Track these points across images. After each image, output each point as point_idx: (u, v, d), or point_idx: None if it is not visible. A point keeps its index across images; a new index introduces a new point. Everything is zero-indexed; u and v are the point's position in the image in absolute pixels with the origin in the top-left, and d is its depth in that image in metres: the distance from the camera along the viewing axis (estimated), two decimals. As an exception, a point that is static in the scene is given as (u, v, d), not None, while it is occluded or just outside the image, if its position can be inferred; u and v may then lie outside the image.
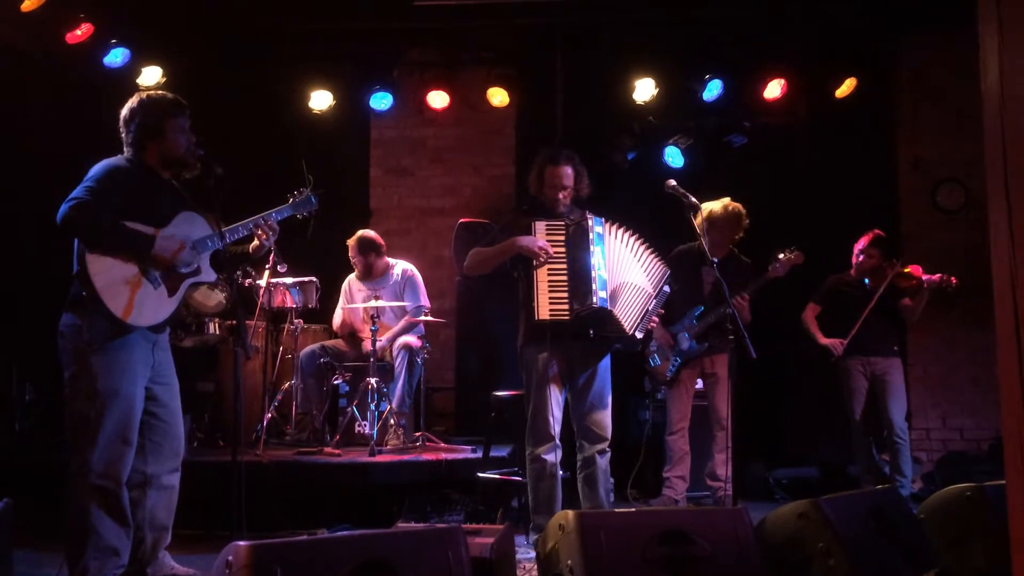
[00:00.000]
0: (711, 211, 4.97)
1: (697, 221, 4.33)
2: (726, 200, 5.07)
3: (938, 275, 5.39)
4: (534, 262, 4.02)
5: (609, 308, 3.95)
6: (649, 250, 4.17)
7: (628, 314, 4.02)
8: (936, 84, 6.71)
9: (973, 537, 3.27)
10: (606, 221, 4.10)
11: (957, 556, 3.31)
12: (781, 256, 4.98)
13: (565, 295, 3.97)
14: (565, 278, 4.00)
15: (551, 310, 3.96)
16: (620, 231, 4.13)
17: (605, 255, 4.03)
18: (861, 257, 5.61)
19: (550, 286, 3.99)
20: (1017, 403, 1.50)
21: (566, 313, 3.96)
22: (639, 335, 4.11)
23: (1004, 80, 1.54)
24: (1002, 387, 1.54)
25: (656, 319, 4.32)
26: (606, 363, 4.19)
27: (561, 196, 4.16)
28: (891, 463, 5.54)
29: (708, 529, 2.78)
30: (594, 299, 3.92)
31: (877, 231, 5.63)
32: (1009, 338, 1.52)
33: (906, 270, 5.49)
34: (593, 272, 3.95)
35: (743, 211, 5.10)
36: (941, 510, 3.46)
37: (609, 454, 4.15)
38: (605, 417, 4.13)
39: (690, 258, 5.12)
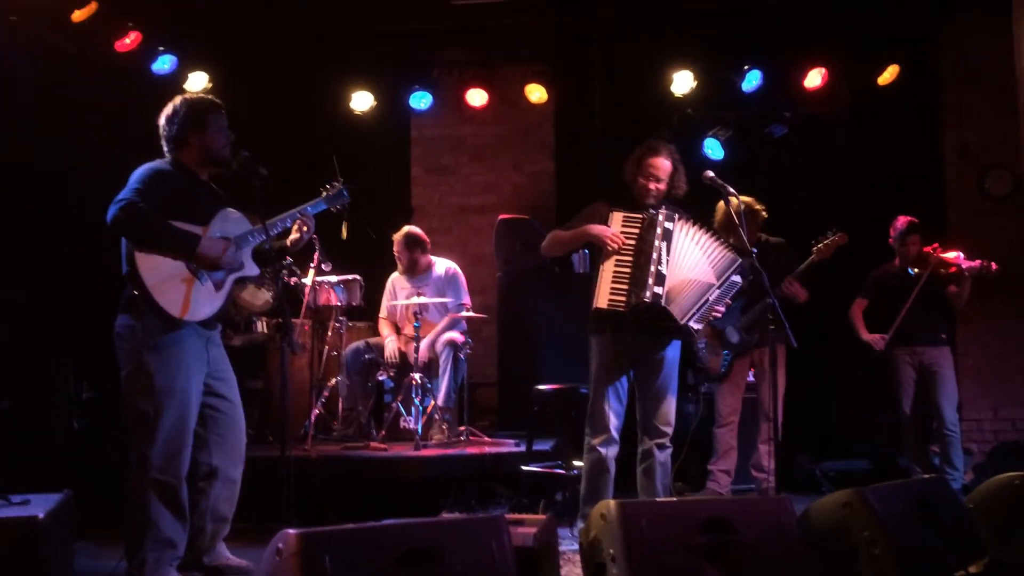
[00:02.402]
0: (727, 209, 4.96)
1: (730, 210, 4.30)
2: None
3: (978, 261, 5.29)
4: (605, 250, 4.03)
5: (664, 305, 3.93)
6: (719, 242, 4.08)
7: (682, 306, 3.97)
8: (981, 69, 6.57)
9: (1023, 526, 3.23)
10: (679, 218, 4.05)
11: (1006, 545, 3.27)
12: (826, 239, 4.95)
13: (626, 286, 3.98)
14: (628, 269, 4.00)
15: (610, 300, 3.97)
16: (692, 228, 4.05)
17: (670, 251, 3.98)
18: (902, 246, 5.55)
19: (614, 276, 3.99)
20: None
21: (623, 305, 3.96)
22: (695, 326, 4.02)
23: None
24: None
25: (721, 310, 4.15)
26: (673, 355, 4.16)
27: (653, 187, 4.11)
28: (941, 455, 5.46)
29: (750, 517, 2.78)
30: (647, 294, 3.91)
31: (911, 217, 5.56)
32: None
33: (947, 256, 5.41)
34: (652, 267, 3.93)
35: (755, 204, 5.09)
36: (989, 499, 3.42)
37: (670, 449, 4.15)
38: (667, 410, 4.11)
39: None
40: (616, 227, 4.05)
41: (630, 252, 4.01)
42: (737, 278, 4.05)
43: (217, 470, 3.51)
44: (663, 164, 4.12)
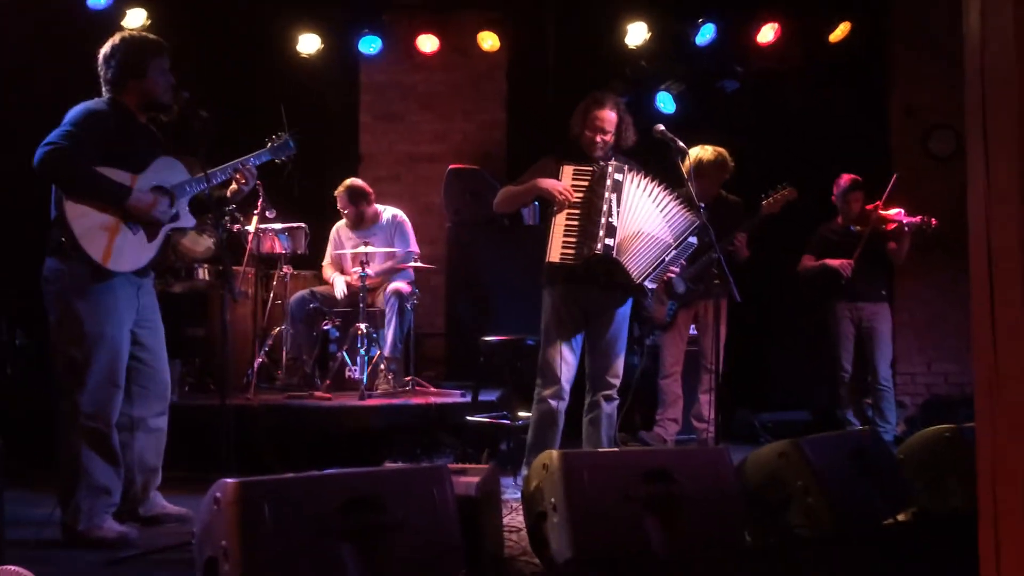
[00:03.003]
0: (699, 157, 4.95)
1: (685, 167, 4.31)
2: (710, 147, 5.05)
3: (919, 216, 5.41)
4: (554, 206, 4.00)
5: (615, 257, 3.92)
6: (675, 200, 4.07)
7: (637, 264, 3.98)
8: (930, 29, 6.63)
9: (950, 477, 3.35)
10: (629, 169, 4.02)
11: (934, 495, 3.39)
12: (775, 193, 4.98)
13: (576, 239, 3.96)
14: (580, 223, 3.98)
15: (562, 253, 3.95)
16: (644, 180, 4.03)
17: (620, 202, 3.96)
18: (845, 204, 5.63)
19: (566, 230, 3.97)
20: (988, 343, 1.52)
21: (573, 258, 3.95)
22: (650, 285, 4.04)
23: (985, 19, 1.53)
24: (974, 326, 1.56)
25: (676, 270, 4.23)
26: (624, 311, 4.18)
27: (599, 140, 4.08)
28: (874, 409, 5.63)
29: (690, 468, 2.84)
30: (598, 246, 3.89)
31: (853, 176, 5.64)
32: (982, 278, 1.53)
33: (888, 213, 5.50)
34: (603, 219, 3.91)
35: (728, 156, 5.08)
36: (920, 451, 3.54)
37: (617, 401, 4.18)
38: (616, 364, 4.14)
39: None
40: (567, 181, 4.02)
41: (581, 205, 4.00)
42: (694, 239, 4.09)
43: (139, 421, 3.45)
44: (609, 116, 4.10)
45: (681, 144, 4.17)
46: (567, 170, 4.05)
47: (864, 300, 5.64)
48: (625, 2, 6.46)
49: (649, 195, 4.04)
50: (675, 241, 4.03)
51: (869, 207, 5.58)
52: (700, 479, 2.82)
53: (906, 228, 5.42)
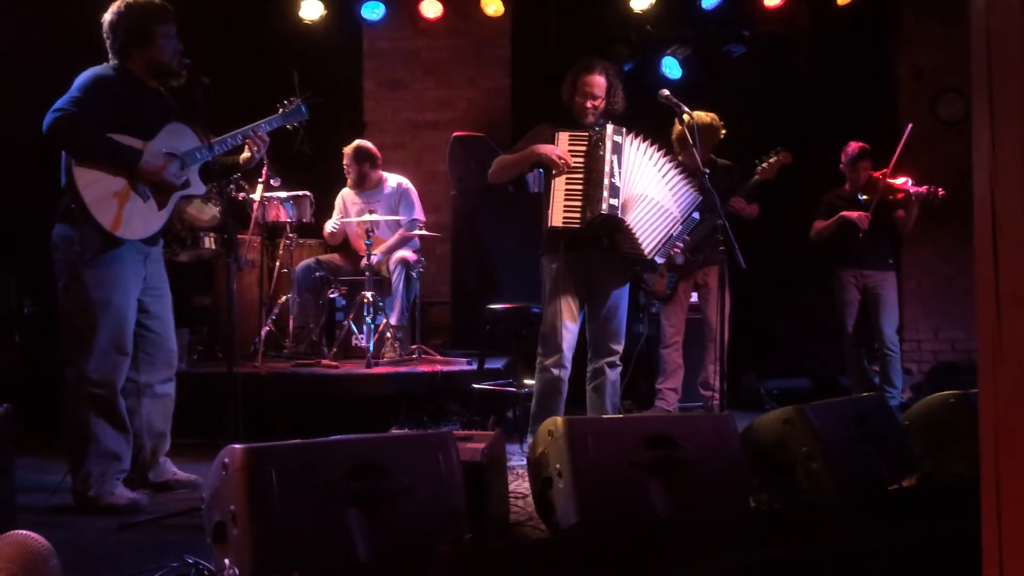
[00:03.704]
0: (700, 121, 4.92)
1: (686, 132, 4.28)
2: (701, 111, 5.00)
3: (924, 187, 5.38)
4: (553, 171, 3.99)
5: (620, 216, 3.92)
6: (681, 174, 4.08)
7: (646, 232, 3.97)
8: (939, -8, 6.56)
9: (955, 443, 3.35)
10: (627, 132, 4.02)
11: (939, 461, 3.40)
12: (768, 159, 4.94)
13: (579, 203, 3.95)
14: (581, 187, 3.97)
15: (564, 218, 3.94)
16: (643, 143, 4.04)
17: (621, 164, 3.95)
18: (853, 172, 5.60)
19: (566, 195, 3.96)
20: (991, 308, 1.52)
21: (577, 221, 3.94)
22: (659, 259, 4.07)
23: (993, -21, 1.51)
24: (979, 291, 1.56)
25: (681, 246, 4.25)
26: (625, 277, 4.18)
27: (590, 106, 4.08)
28: (881, 374, 5.63)
29: (694, 434, 2.85)
30: (603, 206, 3.88)
31: (862, 144, 5.60)
32: (986, 241, 1.52)
33: (895, 182, 5.47)
34: (607, 179, 3.90)
35: (718, 121, 5.01)
36: (925, 417, 3.54)
37: (620, 368, 4.19)
38: (618, 330, 4.15)
39: None
40: (563, 147, 4.02)
41: (581, 169, 3.98)
42: (697, 215, 4.10)
43: (144, 387, 3.48)
44: (598, 80, 4.08)
45: (686, 109, 4.15)
46: (563, 136, 4.04)
47: (870, 268, 5.62)
48: (631, -34, 6.38)
49: (650, 159, 4.05)
50: (681, 216, 4.06)
51: (876, 174, 5.54)
52: (704, 445, 2.83)
53: (913, 198, 5.39)
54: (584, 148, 4.00)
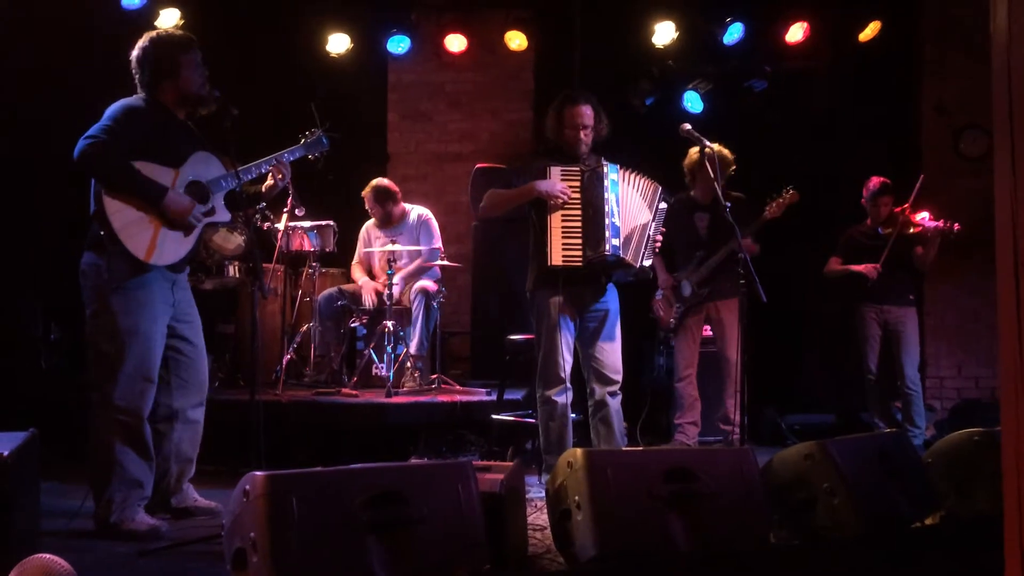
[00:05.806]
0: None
1: (706, 166, 4.31)
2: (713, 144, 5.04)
3: (941, 221, 5.37)
4: (549, 205, 4.00)
5: (622, 255, 3.97)
6: (643, 176, 4.13)
7: (639, 254, 4.05)
8: (962, 28, 6.55)
9: (979, 481, 3.31)
10: (621, 168, 4.07)
11: (962, 499, 3.36)
12: (778, 198, 4.94)
13: (578, 241, 3.96)
14: (579, 224, 3.98)
15: (564, 256, 3.96)
16: (633, 177, 4.10)
17: (619, 202, 4.02)
18: (874, 207, 5.59)
19: (563, 232, 3.97)
20: (1014, 341, 1.52)
21: (579, 260, 3.96)
22: (647, 263, 4.10)
23: (1012, 18, 1.52)
24: (1001, 324, 1.56)
25: (660, 238, 4.20)
26: (615, 304, 4.19)
27: (583, 135, 4.10)
28: (903, 412, 5.57)
29: (713, 467, 2.83)
30: (607, 247, 3.92)
31: (883, 179, 5.60)
32: (1008, 277, 1.52)
33: (914, 217, 5.46)
34: (607, 219, 3.93)
35: (729, 154, 5.03)
36: (948, 454, 3.50)
37: (620, 396, 4.17)
38: (615, 358, 4.14)
39: (680, 206, 5.13)
40: (556, 181, 4.04)
41: (576, 206, 4.00)
42: (663, 204, 4.15)
43: (178, 412, 3.51)
44: (585, 111, 4.11)
45: (708, 143, 4.18)
46: (555, 171, 4.06)
47: (890, 303, 5.59)
48: (653, 1, 6.45)
49: (636, 188, 4.12)
50: (652, 212, 4.12)
51: (897, 210, 5.54)
52: (724, 478, 2.82)
53: (929, 233, 5.37)
54: (578, 183, 4.03)
